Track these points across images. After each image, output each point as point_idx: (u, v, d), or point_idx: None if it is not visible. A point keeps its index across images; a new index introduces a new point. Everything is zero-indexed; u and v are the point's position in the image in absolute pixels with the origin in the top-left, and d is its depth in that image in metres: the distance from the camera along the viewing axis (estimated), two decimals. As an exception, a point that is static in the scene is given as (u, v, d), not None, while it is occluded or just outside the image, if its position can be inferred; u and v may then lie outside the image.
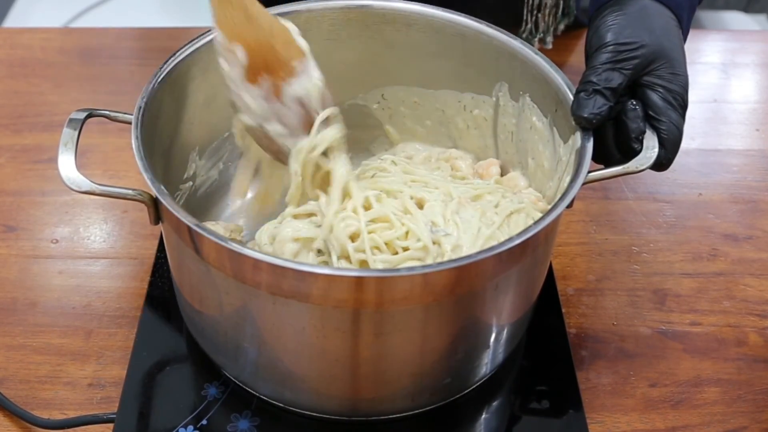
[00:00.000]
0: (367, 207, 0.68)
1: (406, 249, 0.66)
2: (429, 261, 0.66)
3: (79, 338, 0.77)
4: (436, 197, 0.70)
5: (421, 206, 0.70)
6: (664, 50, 0.66)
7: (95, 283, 0.82)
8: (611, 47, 0.66)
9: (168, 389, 0.72)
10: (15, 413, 0.71)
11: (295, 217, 0.71)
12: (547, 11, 1.04)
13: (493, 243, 0.67)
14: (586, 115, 0.65)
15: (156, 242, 0.85)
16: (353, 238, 0.66)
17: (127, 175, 0.93)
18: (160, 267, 0.82)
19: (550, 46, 1.06)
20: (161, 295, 0.80)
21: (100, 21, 1.93)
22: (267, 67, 0.66)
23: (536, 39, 1.06)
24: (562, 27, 1.09)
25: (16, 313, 0.79)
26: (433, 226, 0.68)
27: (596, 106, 0.65)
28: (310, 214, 0.70)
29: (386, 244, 0.66)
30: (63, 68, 1.08)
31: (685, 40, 0.70)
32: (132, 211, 0.89)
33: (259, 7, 0.66)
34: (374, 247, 0.67)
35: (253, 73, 0.66)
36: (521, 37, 1.04)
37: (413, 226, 0.67)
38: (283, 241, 0.69)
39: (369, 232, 0.67)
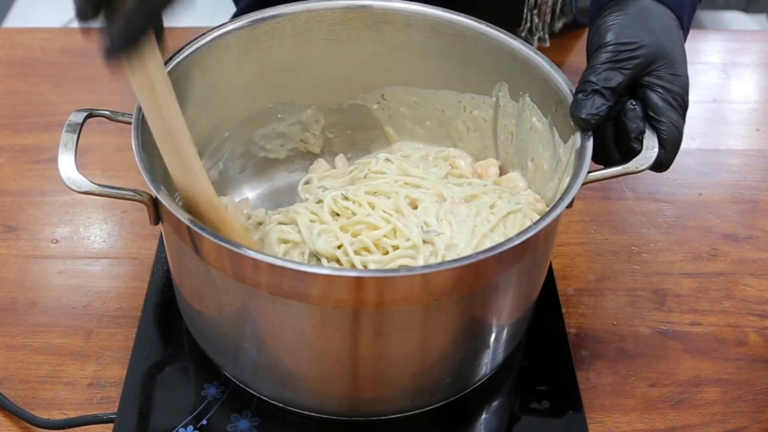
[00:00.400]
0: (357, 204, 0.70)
1: (396, 248, 0.67)
2: (421, 259, 0.66)
3: (79, 338, 0.77)
4: (430, 198, 0.70)
5: (415, 207, 0.70)
6: (664, 50, 0.66)
7: (95, 283, 0.82)
8: (611, 47, 0.66)
9: (168, 389, 0.72)
10: (15, 413, 0.71)
11: (281, 223, 0.72)
12: (548, 9, 1.04)
13: (489, 242, 0.68)
14: (583, 116, 0.64)
15: (156, 242, 0.85)
16: (339, 245, 0.67)
17: (127, 175, 0.93)
18: (160, 267, 0.82)
19: (547, 44, 1.07)
20: (161, 295, 0.79)
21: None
22: None
23: (536, 38, 1.06)
24: (559, 25, 1.09)
25: (16, 313, 0.79)
26: (425, 226, 0.68)
27: (594, 106, 0.65)
28: (293, 221, 0.72)
29: (375, 244, 0.67)
30: (63, 68, 1.08)
31: (685, 39, 0.70)
32: (132, 211, 0.89)
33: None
34: (363, 248, 0.67)
35: None
36: (520, 36, 1.04)
37: (400, 224, 0.67)
38: (272, 243, 0.71)
39: (354, 235, 0.68)
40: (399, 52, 0.79)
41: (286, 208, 0.75)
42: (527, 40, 1.03)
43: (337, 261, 0.68)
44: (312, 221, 0.71)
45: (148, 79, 0.58)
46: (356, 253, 0.67)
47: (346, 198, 0.71)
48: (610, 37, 0.66)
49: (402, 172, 0.75)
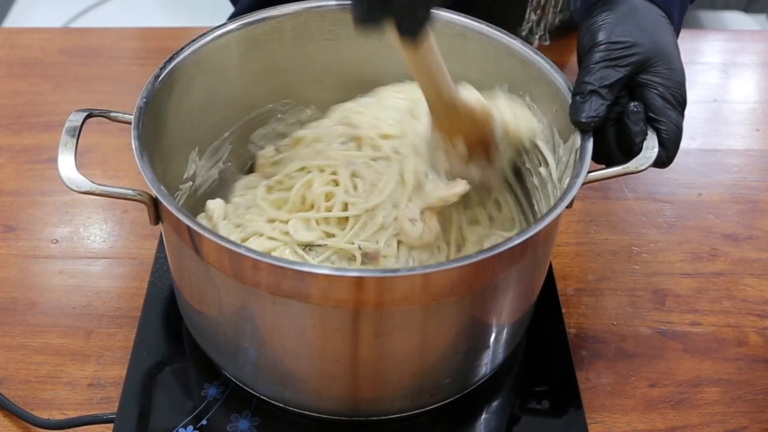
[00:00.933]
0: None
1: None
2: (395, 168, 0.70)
3: (79, 338, 0.77)
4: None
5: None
6: (657, 47, 0.66)
7: (95, 283, 0.82)
8: (603, 46, 0.66)
9: (168, 389, 0.72)
10: (15, 413, 0.71)
11: (243, 240, 0.72)
12: (550, 8, 1.04)
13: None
14: (583, 120, 0.64)
15: (156, 242, 0.85)
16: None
17: (127, 175, 0.93)
18: (160, 267, 0.82)
19: (548, 42, 1.07)
20: (161, 295, 0.80)
21: (100, 21, 1.94)
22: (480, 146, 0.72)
23: (537, 37, 1.06)
24: (556, 22, 1.08)
25: (16, 313, 0.79)
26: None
27: (593, 108, 0.64)
28: (255, 233, 0.72)
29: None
30: (63, 68, 1.08)
31: (677, 36, 0.70)
32: (132, 211, 0.89)
33: (460, 98, 0.69)
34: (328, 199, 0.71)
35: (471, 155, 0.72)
36: (522, 35, 1.04)
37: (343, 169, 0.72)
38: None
39: (312, 205, 0.72)
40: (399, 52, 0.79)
41: (236, 224, 0.74)
42: (528, 39, 1.04)
43: (327, 234, 0.70)
44: (271, 221, 0.72)
45: (423, 57, 0.63)
46: (328, 210, 0.70)
47: (276, 183, 0.74)
48: (601, 36, 0.66)
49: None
